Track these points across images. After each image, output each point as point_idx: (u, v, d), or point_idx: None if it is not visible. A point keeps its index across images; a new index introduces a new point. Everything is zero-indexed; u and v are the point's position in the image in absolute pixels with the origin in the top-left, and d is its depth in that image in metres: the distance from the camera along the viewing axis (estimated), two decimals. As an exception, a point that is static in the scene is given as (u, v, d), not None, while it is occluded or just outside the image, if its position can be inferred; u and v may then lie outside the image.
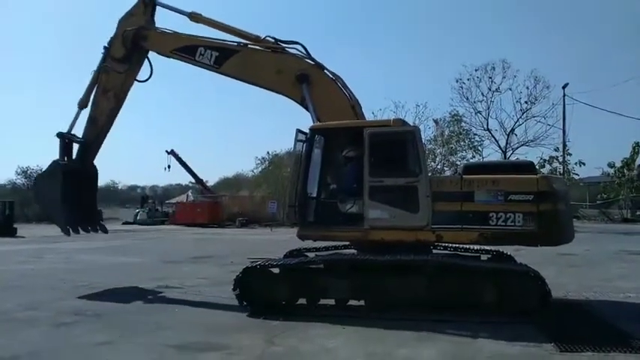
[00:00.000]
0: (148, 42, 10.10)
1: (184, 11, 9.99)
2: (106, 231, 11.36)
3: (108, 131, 10.67)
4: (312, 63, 9.03)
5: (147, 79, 10.45)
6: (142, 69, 10.53)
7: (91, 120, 10.43)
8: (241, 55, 9.43)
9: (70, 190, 10.10)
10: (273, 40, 9.29)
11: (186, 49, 9.71)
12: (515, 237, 7.15)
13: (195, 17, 9.90)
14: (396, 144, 7.84)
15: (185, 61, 9.76)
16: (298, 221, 8.10)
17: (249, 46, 9.52)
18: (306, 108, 8.85)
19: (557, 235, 7.37)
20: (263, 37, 9.47)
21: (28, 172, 50.69)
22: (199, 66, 9.64)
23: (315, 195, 8.35)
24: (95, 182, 11.09)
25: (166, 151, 39.34)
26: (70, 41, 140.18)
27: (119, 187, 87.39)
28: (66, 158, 10.40)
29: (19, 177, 51.72)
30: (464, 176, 7.59)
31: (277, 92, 9.31)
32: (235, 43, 9.63)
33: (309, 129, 8.27)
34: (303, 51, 9.08)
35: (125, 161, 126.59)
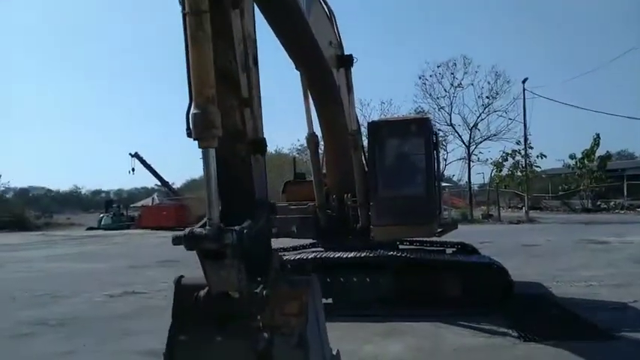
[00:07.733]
0: None
1: None
2: None
3: None
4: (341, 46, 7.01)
5: None
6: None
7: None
8: None
9: None
10: None
11: None
12: None
13: None
14: None
15: None
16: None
17: None
18: (326, 93, 6.84)
19: None
20: None
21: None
22: None
23: None
24: None
25: (130, 154, 38.54)
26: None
27: (82, 192, 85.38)
28: None
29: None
30: None
31: (315, 59, 6.05)
32: None
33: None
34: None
35: (88, 165, 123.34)
